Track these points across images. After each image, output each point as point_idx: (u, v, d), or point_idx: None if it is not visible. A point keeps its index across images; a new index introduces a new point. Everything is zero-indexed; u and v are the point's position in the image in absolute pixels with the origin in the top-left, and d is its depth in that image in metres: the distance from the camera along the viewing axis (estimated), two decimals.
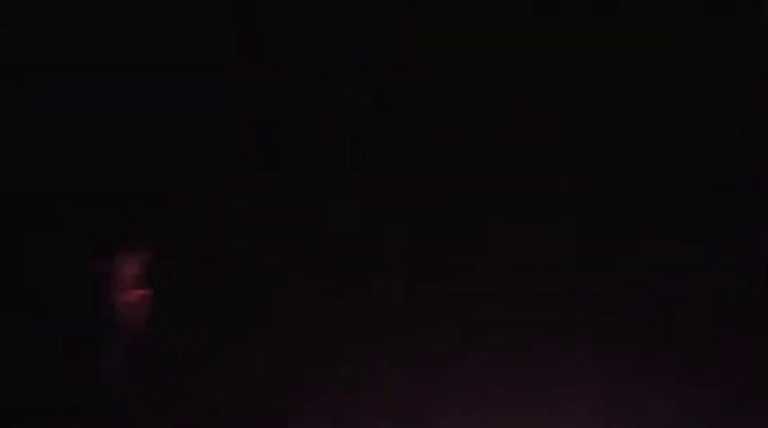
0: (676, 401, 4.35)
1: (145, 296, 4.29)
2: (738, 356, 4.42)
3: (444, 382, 4.39)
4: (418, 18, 4.60)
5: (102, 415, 4.26)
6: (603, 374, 4.39)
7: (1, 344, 4.36)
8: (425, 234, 4.60)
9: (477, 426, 4.30)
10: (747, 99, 4.53)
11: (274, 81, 4.60)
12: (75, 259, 4.34)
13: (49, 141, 4.55)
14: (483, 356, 4.44)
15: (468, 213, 4.60)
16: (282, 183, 4.59)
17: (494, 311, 4.50)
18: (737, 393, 4.36)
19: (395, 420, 4.35)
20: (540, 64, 4.57)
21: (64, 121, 4.55)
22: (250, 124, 4.61)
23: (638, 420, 4.34)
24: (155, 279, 4.34)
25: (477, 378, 4.40)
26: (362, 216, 4.59)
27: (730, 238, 4.52)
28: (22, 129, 4.55)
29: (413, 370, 4.42)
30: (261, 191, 4.58)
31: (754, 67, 4.53)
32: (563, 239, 4.57)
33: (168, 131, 4.58)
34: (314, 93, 4.60)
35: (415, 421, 4.36)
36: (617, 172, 4.58)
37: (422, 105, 4.60)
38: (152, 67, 4.57)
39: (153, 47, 4.57)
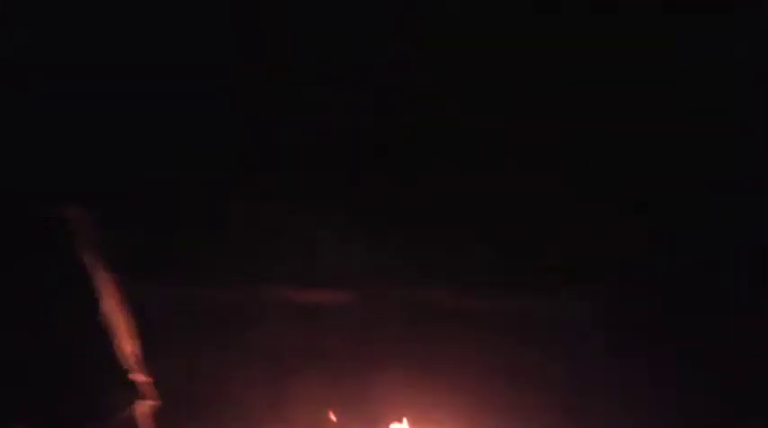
0: (676, 401, 4.36)
1: None
2: (738, 356, 4.43)
3: (445, 383, 4.41)
4: (418, 18, 4.59)
5: None
6: (603, 374, 4.40)
7: None
8: (425, 234, 4.60)
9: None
10: (747, 99, 4.52)
11: (274, 81, 4.59)
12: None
13: (48, 141, 4.55)
14: (483, 356, 4.46)
15: (468, 213, 4.61)
16: (282, 183, 4.60)
17: (493, 310, 4.52)
18: (737, 393, 4.37)
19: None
20: (540, 64, 4.57)
21: (64, 121, 4.55)
22: (249, 124, 4.61)
23: (638, 420, 4.35)
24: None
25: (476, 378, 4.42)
26: (362, 216, 4.60)
27: (730, 238, 4.53)
28: (22, 129, 4.56)
29: (414, 371, 4.43)
30: (261, 191, 4.59)
31: (754, 67, 4.52)
32: (563, 239, 4.58)
33: (168, 131, 4.58)
34: (314, 93, 4.59)
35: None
36: (617, 172, 4.59)
37: (422, 105, 4.60)
38: (152, 67, 4.57)
39: (153, 47, 4.57)
